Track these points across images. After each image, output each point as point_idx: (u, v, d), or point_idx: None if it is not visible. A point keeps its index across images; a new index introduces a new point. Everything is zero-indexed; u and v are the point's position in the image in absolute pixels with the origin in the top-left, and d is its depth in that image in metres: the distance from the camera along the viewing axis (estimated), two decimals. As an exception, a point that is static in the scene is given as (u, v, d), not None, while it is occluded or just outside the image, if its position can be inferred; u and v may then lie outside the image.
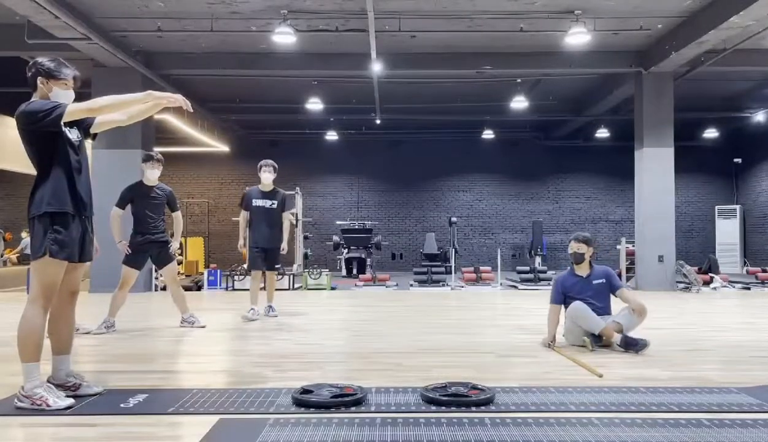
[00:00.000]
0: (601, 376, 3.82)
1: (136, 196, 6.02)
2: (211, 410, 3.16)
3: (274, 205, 6.85)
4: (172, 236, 6.31)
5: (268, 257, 6.84)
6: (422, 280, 11.81)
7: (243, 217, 6.92)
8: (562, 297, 4.95)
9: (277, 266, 7.13)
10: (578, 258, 4.96)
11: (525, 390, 3.52)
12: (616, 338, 4.73)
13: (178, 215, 6.27)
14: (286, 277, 11.43)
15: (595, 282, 4.95)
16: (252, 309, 6.76)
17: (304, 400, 3.23)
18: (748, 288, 11.32)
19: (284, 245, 6.90)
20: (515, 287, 11.71)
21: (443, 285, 11.53)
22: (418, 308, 8.27)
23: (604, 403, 3.24)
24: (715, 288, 11.24)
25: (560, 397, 3.37)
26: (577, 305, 4.79)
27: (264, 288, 7.13)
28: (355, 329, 6.17)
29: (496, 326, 6.30)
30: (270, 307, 6.99)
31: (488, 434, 2.74)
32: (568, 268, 5.14)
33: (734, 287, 11.47)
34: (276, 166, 6.99)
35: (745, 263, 16.26)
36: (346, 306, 8.66)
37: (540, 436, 2.70)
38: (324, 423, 2.91)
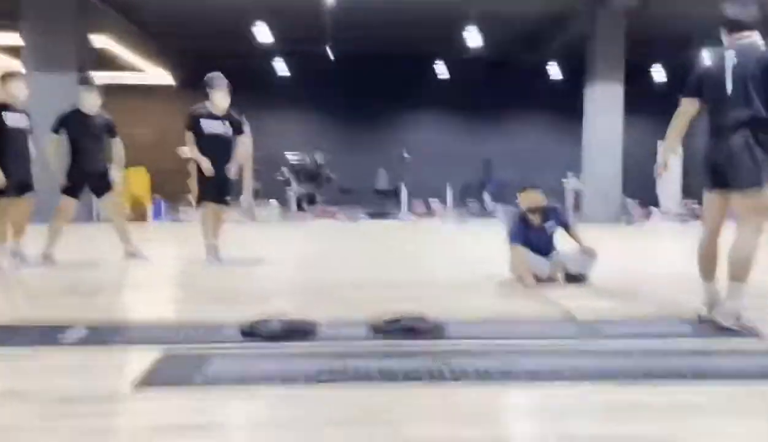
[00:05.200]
0: (572, 315, 3.80)
1: (72, 124, 5.70)
2: (156, 343, 3.08)
3: (229, 131, 6.01)
4: (112, 165, 6.04)
5: (220, 189, 6.01)
6: (373, 213, 11.82)
7: (190, 139, 5.92)
8: (524, 238, 4.85)
9: (227, 200, 6.25)
10: (532, 209, 4.94)
11: (478, 322, 3.56)
12: (560, 276, 4.85)
13: (117, 142, 5.99)
14: (236, 210, 11.23)
15: (548, 229, 4.96)
16: (208, 247, 5.96)
17: (253, 332, 3.18)
18: (686, 221, 11.73)
19: (235, 170, 6.09)
20: (464, 221, 11.84)
21: (394, 218, 11.57)
22: (368, 241, 8.27)
23: (555, 333, 3.31)
24: (655, 222, 11.63)
25: (512, 328, 3.41)
26: (520, 250, 4.82)
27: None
28: (306, 263, 6.13)
29: (447, 259, 6.35)
30: (214, 243, 6.06)
31: (436, 360, 2.75)
32: (518, 213, 5.03)
33: (674, 220, 11.90)
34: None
35: (684, 197, 16.81)
36: (297, 240, 8.59)
37: (490, 364, 2.73)
38: (273, 356, 2.88)
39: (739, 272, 3.36)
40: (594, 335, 3.25)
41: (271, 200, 11.52)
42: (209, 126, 5.92)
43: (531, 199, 4.88)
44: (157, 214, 11.39)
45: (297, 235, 9.33)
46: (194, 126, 5.91)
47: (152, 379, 2.50)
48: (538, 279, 4.80)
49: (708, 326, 3.45)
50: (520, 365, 2.70)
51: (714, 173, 3.53)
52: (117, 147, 5.99)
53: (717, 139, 3.50)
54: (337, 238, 8.71)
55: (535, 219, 4.91)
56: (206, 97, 5.98)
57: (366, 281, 4.95)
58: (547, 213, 4.94)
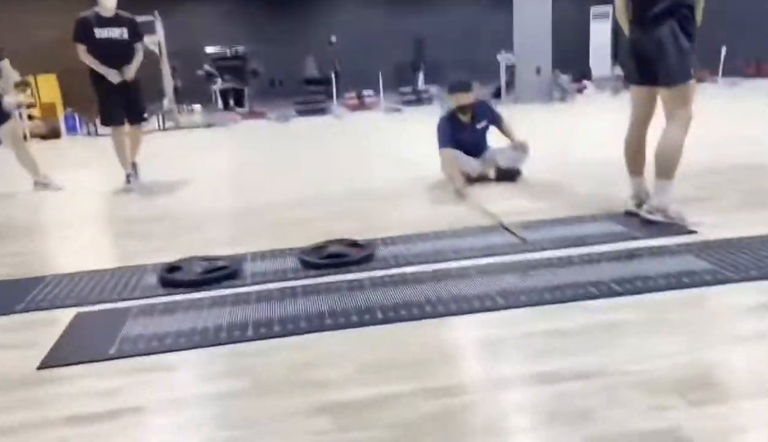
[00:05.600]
0: (499, 221, 3.75)
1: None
2: (68, 302, 2.85)
3: (125, 35, 5.36)
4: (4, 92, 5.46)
5: (129, 105, 5.45)
6: (304, 110, 11.37)
7: (82, 51, 5.25)
8: (454, 139, 4.67)
9: (142, 115, 5.71)
10: (462, 109, 4.73)
11: (405, 240, 3.45)
12: (491, 173, 4.76)
13: (6, 65, 5.38)
14: (155, 117, 10.57)
15: (479, 127, 4.80)
16: (129, 175, 5.53)
17: (172, 279, 2.99)
18: (618, 91, 11.74)
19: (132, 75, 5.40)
20: (398, 110, 11.54)
21: (326, 113, 11.17)
22: (299, 145, 7.97)
23: (485, 247, 3.24)
24: (588, 95, 11.60)
25: (439, 244, 3.32)
26: (449, 153, 4.65)
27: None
28: (232, 180, 5.82)
29: (381, 162, 6.15)
30: (134, 165, 5.63)
31: (366, 297, 2.65)
32: (447, 112, 4.84)
33: (606, 91, 11.89)
34: None
35: (614, 64, 16.83)
36: (223, 149, 8.19)
37: (418, 294, 2.64)
38: (194, 306, 2.71)
39: (666, 169, 3.32)
40: (521, 248, 3.19)
41: (194, 105, 10.86)
42: (102, 32, 5.27)
43: (461, 99, 4.68)
44: (70, 128, 10.63)
45: (224, 143, 8.89)
46: (84, 35, 5.24)
47: (58, 356, 2.31)
48: (470, 179, 4.71)
49: (635, 222, 3.45)
50: (447, 293, 2.63)
51: (640, 67, 3.39)
52: (6, 69, 5.37)
53: (642, 30, 3.33)
54: (266, 144, 8.35)
55: (465, 118, 4.73)
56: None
57: (296, 198, 4.74)
58: (477, 111, 4.76)
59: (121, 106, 5.44)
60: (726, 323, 2.24)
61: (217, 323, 2.50)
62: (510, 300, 2.52)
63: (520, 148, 4.76)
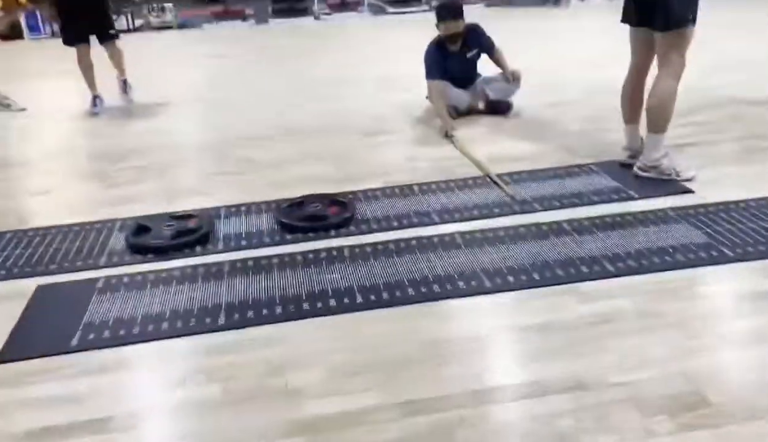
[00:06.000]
0: (487, 175, 3.49)
1: None
2: (27, 271, 2.69)
3: None
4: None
5: (94, 21, 5.05)
6: (283, 9, 10.74)
7: None
8: (443, 69, 4.35)
9: (110, 31, 5.20)
10: (452, 38, 4.37)
11: (388, 194, 3.27)
12: (481, 105, 4.51)
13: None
14: (123, 16, 9.90)
15: (469, 55, 4.46)
16: (95, 98, 5.16)
17: (140, 244, 2.82)
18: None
19: None
20: (383, 10, 10.93)
21: (306, 14, 10.57)
22: (278, 55, 7.54)
23: (472, 206, 3.07)
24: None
25: (423, 202, 3.14)
26: (437, 86, 4.34)
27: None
28: (202, 101, 5.47)
29: (362, 84, 5.81)
30: (124, 83, 5.37)
31: (346, 273, 2.51)
32: (435, 40, 4.45)
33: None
34: None
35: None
36: (196, 57, 7.73)
37: (399, 270, 2.51)
38: (163, 280, 2.55)
39: (658, 122, 3.13)
40: (509, 208, 3.03)
41: (166, 3, 10.14)
42: None
43: (450, 28, 4.32)
44: (34, 28, 9.93)
45: (196, 48, 8.40)
46: None
47: (14, 349, 2.17)
48: (459, 113, 4.46)
49: (629, 177, 3.28)
50: (430, 269, 2.49)
51: (639, 7, 3.12)
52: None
53: None
54: (242, 50, 7.89)
55: (454, 47, 4.41)
56: None
57: (272, 130, 4.47)
58: (467, 38, 4.42)
59: (84, 23, 5.04)
60: (721, 319, 2.14)
61: (188, 306, 2.36)
62: (497, 282, 2.39)
63: (512, 79, 4.48)
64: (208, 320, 2.26)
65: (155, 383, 1.99)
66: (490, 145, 3.92)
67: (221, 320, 2.26)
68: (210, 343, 2.15)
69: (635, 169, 3.28)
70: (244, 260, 2.67)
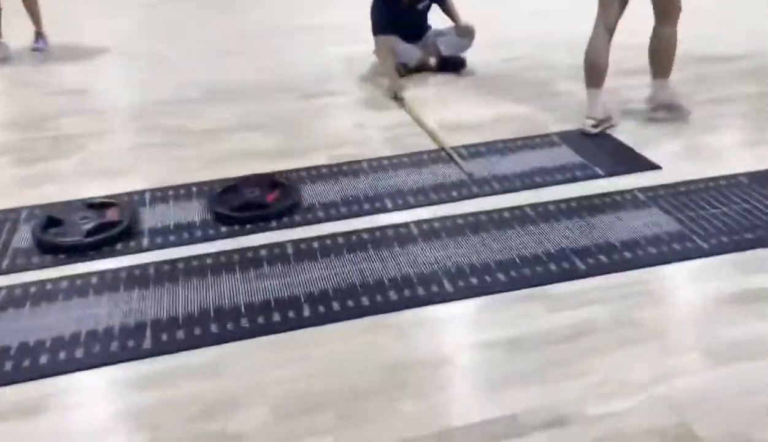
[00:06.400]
0: (442, 147, 3.16)
1: None
2: None
3: None
4: None
5: None
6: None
7: None
8: (392, 22, 3.97)
9: None
10: None
11: (336, 172, 2.96)
12: (433, 61, 4.18)
13: None
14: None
15: (419, 7, 4.08)
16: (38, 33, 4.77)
17: (51, 242, 2.44)
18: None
19: None
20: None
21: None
22: (212, 2, 6.89)
23: (427, 188, 2.80)
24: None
25: (374, 183, 2.85)
26: (385, 42, 3.96)
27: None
28: (130, 55, 4.89)
29: (302, 31, 5.33)
30: (38, 35, 4.82)
31: (289, 278, 2.23)
32: None
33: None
34: None
35: None
36: (119, 5, 6.98)
37: (349, 271, 2.25)
38: (78, 288, 2.20)
39: (668, 67, 3.23)
40: (466, 191, 2.78)
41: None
42: None
43: None
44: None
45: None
46: None
47: None
48: (409, 70, 4.13)
49: (593, 149, 3.08)
50: (384, 269, 2.23)
51: None
52: None
53: None
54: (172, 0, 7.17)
55: (404, -1, 4.03)
56: None
57: (206, 93, 4.01)
58: (416, -14, 4.04)
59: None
60: (702, 329, 1.96)
61: (107, 324, 2.04)
62: (459, 285, 2.16)
63: (465, 33, 4.15)
64: (131, 343, 1.96)
65: (71, 432, 1.69)
66: (443, 109, 3.63)
67: (147, 343, 1.96)
68: (134, 375, 1.85)
69: (650, 114, 3.34)
70: (173, 262, 2.35)
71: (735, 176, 2.77)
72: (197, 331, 2.00)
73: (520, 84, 3.97)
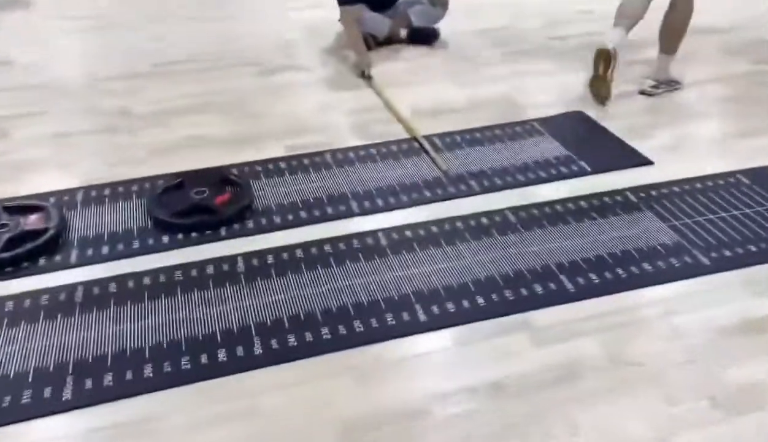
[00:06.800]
0: (414, 137, 2.88)
1: None
2: None
3: None
4: None
5: None
6: None
7: None
8: None
9: None
10: None
11: (295, 168, 2.63)
12: (403, 33, 3.84)
13: None
14: None
15: None
16: None
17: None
18: None
19: None
20: None
21: None
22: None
23: (398, 188, 2.51)
24: None
25: (338, 179, 2.54)
26: (352, 12, 3.60)
27: None
28: (66, 18, 4.41)
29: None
30: None
31: (240, 302, 1.94)
32: None
33: None
34: None
35: None
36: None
37: (309, 298, 1.97)
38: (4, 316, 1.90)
39: (677, 43, 3.17)
40: (441, 193, 2.50)
41: None
42: None
43: None
44: None
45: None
46: None
47: None
48: (378, 42, 3.78)
49: (577, 137, 2.81)
50: (350, 295, 1.96)
51: None
52: None
53: None
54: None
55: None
56: None
57: (151, 67, 3.60)
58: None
59: None
60: (708, 370, 1.72)
61: (22, 367, 1.74)
62: (433, 312, 1.89)
63: (439, 1, 3.81)
64: (48, 394, 1.66)
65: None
66: (414, 90, 3.31)
67: (67, 393, 1.66)
68: (50, 436, 1.56)
69: (647, 89, 3.20)
70: (105, 281, 2.03)
71: (734, 174, 2.54)
72: (128, 375, 1.70)
73: (497, 60, 3.66)
